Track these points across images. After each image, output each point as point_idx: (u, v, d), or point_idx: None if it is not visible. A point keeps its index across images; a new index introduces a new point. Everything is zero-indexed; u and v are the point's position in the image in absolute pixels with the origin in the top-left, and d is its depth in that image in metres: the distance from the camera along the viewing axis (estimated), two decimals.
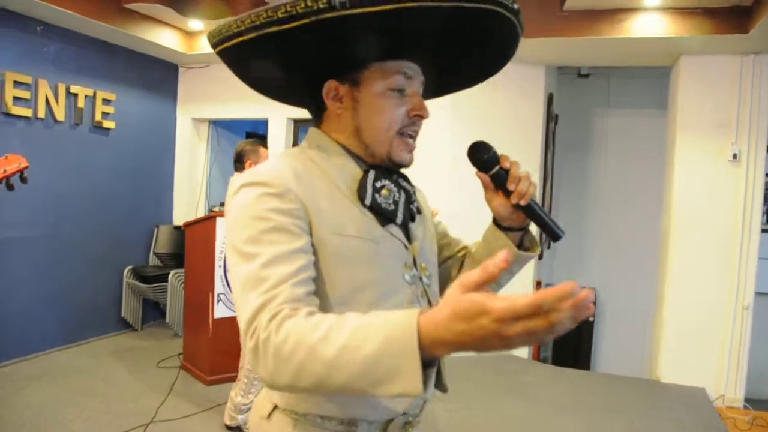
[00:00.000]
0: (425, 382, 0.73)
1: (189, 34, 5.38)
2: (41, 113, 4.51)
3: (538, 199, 4.63)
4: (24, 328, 4.54)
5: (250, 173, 1.00)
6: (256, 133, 6.51)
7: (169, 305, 5.24)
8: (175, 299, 5.19)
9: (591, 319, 6.05)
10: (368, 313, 0.81)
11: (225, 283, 4.19)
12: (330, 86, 1.07)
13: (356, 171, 1.08)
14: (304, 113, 4.66)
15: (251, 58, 1.06)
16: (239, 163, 3.45)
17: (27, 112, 4.40)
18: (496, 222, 1.21)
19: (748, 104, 4.32)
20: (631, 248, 6.04)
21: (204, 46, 5.35)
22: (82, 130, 4.89)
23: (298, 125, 5.69)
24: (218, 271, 4.20)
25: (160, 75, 5.69)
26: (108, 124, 5.08)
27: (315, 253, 0.97)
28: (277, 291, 0.87)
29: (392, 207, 1.07)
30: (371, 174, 1.07)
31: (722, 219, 4.45)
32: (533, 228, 1.22)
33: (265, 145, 3.58)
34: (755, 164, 4.36)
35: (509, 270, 1.22)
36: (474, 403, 4.01)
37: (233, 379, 3.50)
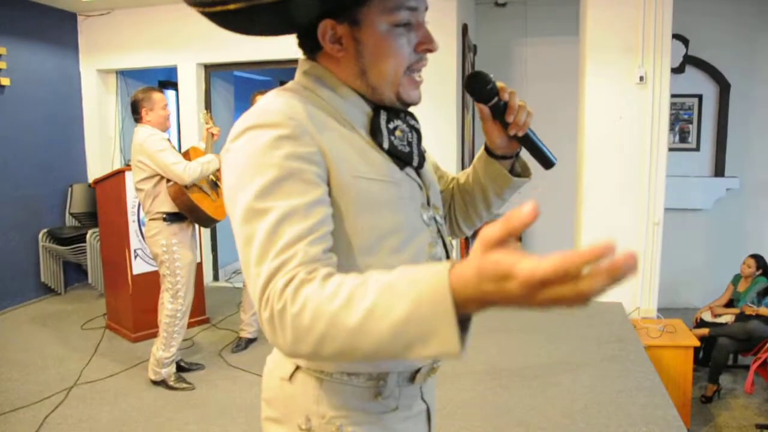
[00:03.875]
0: (463, 340, 0.69)
1: None
2: None
3: (456, 132, 4.55)
4: None
5: (255, 113, 0.89)
6: (170, 82, 6.25)
7: (90, 266, 5.11)
8: (95, 259, 5.05)
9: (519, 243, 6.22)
10: (390, 272, 0.73)
11: (141, 237, 4.10)
12: (325, 27, 0.94)
13: (366, 109, 0.99)
14: (214, 58, 4.48)
15: (244, 17, 0.91)
16: (136, 114, 3.35)
17: None
18: (488, 150, 1.17)
19: (653, 28, 4.39)
20: (552, 174, 6.15)
21: None
22: None
23: (209, 71, 5.47)
24: (132, 227, 4.10)
25: (56, 25, 5.32)
26: (1, 80, 4.77)
27: (335, 200, 0.89)
28: (292, 252, 0.79)
29: (407, 149, 1.00)
30: (383, 115, 0.99)
31: (632, 140, 4.57)
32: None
33: (159, 89, 3.45)
34: (660, 86, 4.47)
35: (503, 198, 1.21)
36: None
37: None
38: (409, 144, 1.01)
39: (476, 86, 1.06)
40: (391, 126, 0.99)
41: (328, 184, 0.89)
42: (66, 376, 3.59)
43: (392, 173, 0.97)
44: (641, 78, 4.44)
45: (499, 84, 1.06)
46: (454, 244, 5.43)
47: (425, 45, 0.97)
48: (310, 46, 1.00)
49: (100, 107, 5.70)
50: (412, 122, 1.05)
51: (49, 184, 5.31)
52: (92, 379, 3.54)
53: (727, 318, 4.75)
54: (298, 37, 1.02)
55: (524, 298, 0.60)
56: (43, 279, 5.22)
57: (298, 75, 1.02)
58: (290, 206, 0.82)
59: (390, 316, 0.69)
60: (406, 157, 1.00)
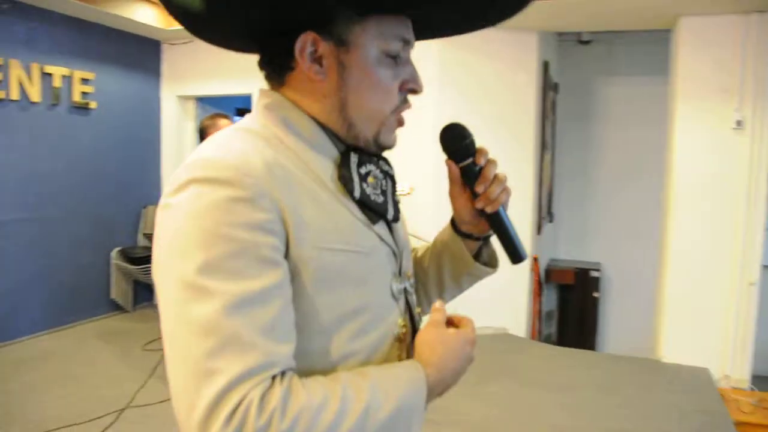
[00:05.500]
0: None
1: None
2: (14, 95, 4.40)
3: (534, 174, 4.30)
4: (9, 312, 4.51)
5: (203, 162, 0.72)
6: (247, 110, 6.35)
7: None
8: None
9: (596, 294, 5.87)
10: (366, 372, 0.76)
11: None
12: (306, 40, 0.79)
13: (334, 154, 0.83)
14: None
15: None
16: (203, 141, 3.35)
17: None
18: (453, 224, 1.03)
19: (752, 67, 4.04)
20: (637, 220, 5.83)
21: None
22: (60, 111, 4.78)
23: None
24: None
25: (141, 52, 5.52)
26: (88, 103, 4.97)
27: (291, 275, 0.74)
28: (261, 355, 0.67)
29: (381, 199, 0.86)
30: (353, 158, 0.84)
31: (726, 189, 4.20)
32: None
33: (226, 115, 3.44)
34: (761, 131, 4.09)
35: (458, 285, 1.07)
36: (457, 385, 3.86)
37: None
38: (383, 193, 0.87)
39: (450, 140, 0.94)
40: (362, 171, 0.84)
41: (285, 256, 0.73)
42: (121, 396, 3.58)
43: (363, 241, 0.82)
44: (738, 122, 4.08)
45: (479, 147, 0.93)
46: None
47: (411, 84, 0.85)
48: (279, 64, 0.84)
49: (178, 132, 5.84)
50: (386, 168, 0.91)
51: (124, 204, 5.46)
52: (144, 403, 3.51)
53: None
54: (265, 51, 0.86)
55: (469, 355, 0.88)
56: (113, 296, 5.35)
57: (258, 110, 0.85)
58: (244, 290, 0.67)
59: (381, 414, 0.72)
60: (380, 208, 0.85)
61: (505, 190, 0.94)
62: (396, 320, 0.88)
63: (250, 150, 0.75)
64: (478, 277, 1.06)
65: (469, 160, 0.93)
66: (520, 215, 4.95)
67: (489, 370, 4.23)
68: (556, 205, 6.24)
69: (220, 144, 0.76)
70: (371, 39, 0.80)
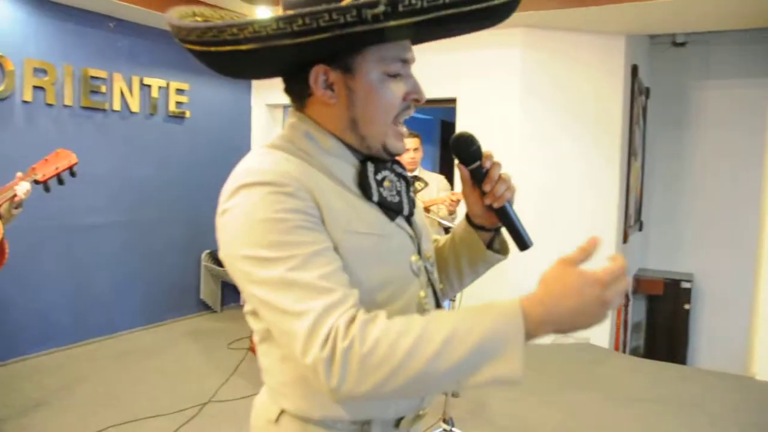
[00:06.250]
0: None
1: None
2: (116, 105, 4.75)
3: (619, 180, 4.21)
4: (109, 308, 4.86)
5: (246, 172, 0.89)
6: None
7: None
8: None
9: (686, 307, 5.59)
10: (457, 309, 0.82)
11: None
12: (318, 72, 0.94)
13: (354, 162, 0.99)
14: None
15: (237, 60, 0.92)
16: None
17: (103, 104, 4.65)
18: (468, 218, 1.18)
19: None
20: (733, 230, 5.49)
21: None
22: (157, 120, 5.11)
23: None
24: None
25: None
26: (183, 113, 5.28)
27: None
28: (339, 293, 0.82)
29: (397, 199, 1.01)
30: (370, 167, 0.99)
31: None
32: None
33: None
34: None
35: (475, 271, 1.22)
36: (534, 393, 3.78)
37: None
38: (398, 193, 1.02)
39: (459, 147, 1.07)
40: (379, 177, 1.00)
41: None
42: (203, 391, 3.77)
43: (383, 226, 0.98)
44: None
45: (485, 151, 1.07)
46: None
47: (414, 95, 0.98)
48: (299, 92, 0.99)
49: (267, 139, 6.00)
50: (399, 170, 1.05)
51: (214, 208, 5.58)
52: (226, 398, 3.68)
53: None
54: (287, 82, 1.01)
55: (598, 298, 0.78)
56: (202, 296, 5.62)
57: (285, 128, 1.02)
58: (306, 252, 0.83)
59: (463, 346, 0.77)
60: (396, 206, 1.01)
61: (510, 188, 1.08)
62: (417, 292, 1.01)
63: (281, 160, 0.91)
64: (492, 263, 1.20)
65: (477, 164, 1.07)
66: (603, 223, 4.78)
67: (568, 379, 4.12)
68: (645, 214, 5.99)
69: (256, 159, 0.93)
70: (372, 64, 0.93)
